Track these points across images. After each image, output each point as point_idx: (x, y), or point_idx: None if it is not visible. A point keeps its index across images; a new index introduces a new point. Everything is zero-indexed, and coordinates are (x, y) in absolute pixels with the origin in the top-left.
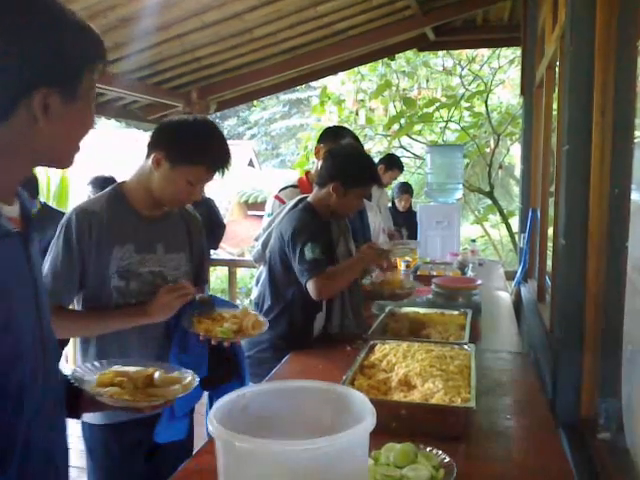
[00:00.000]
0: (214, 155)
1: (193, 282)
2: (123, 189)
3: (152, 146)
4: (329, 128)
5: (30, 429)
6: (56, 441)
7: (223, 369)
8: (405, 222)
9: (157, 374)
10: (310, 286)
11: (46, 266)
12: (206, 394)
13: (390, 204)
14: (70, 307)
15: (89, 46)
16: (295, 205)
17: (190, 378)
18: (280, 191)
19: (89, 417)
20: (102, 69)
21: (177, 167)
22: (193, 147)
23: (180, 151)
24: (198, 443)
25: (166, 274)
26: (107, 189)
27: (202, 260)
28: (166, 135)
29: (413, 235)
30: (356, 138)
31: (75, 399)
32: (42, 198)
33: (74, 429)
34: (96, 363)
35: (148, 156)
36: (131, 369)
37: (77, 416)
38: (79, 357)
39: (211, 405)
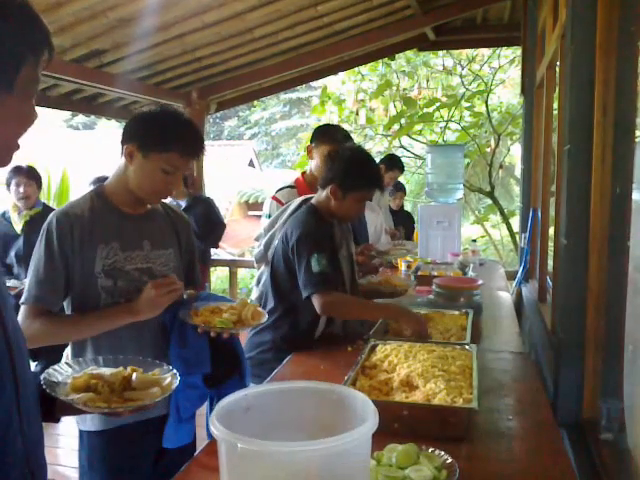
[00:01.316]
0: (185, 140)
1: (184, 282)
2: (104, 189)
3: (124, 140)
4: (319, 127)
5: (4, 441)
6: (33, 452)
7: (225, 366)
8: (400, 221)
9: (135, 376)
10: (315, 300)
11: (30, 272)
12: None
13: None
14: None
15: (30, 35)
16: (299, 206)
17: (169, 379)
18: (277, 192)
19: (86, 424)
20: (47, 59)
21: (150, 156)
22: (163, 133)
23: (150, 139)
24: (200, 444)
25: (154, 270)
26: (88, 191)
27: (192, 259)
28: (135, 126)
29: (409, 234)
30: (348, 136)
31: (50, 402)
32: (43, 199)
33: (73, 430)
34: (72, 363)
35: (122, 152)
36: (107, 371)
37: (55, 420)
38: (72, 359)
39: (211, 404)
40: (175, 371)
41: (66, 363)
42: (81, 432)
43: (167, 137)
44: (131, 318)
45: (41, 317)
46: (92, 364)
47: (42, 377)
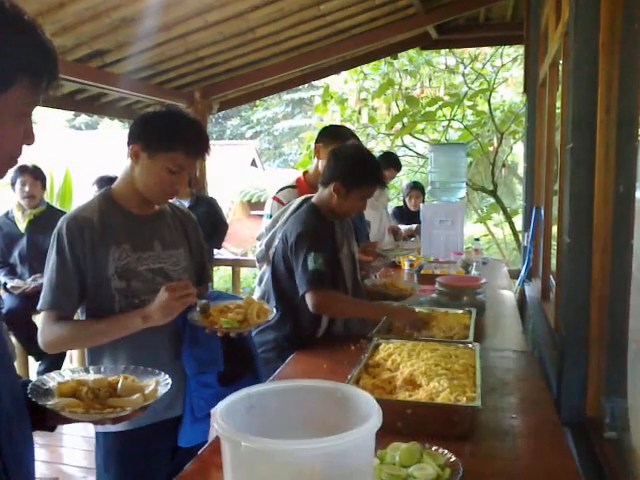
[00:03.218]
0: (190, 139)
1: (196, 281)
2: (112, 192)
3: (130, 140)
4: (327, 127)
5: None
6: (17, 471)
7: (239, 364)
8: (418, 221)
9: (121, 383)
10: (308, 298)
11: (44, 279)
12: None
13: (402, 203)
14: (75, 318)
15: (27, 56)
16: (300, 205)
17: (153, 387)
18: (278, 192)
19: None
20: (47, 86)
21: (156, 156)
22: (168, 133)
23: (156, 139)
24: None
25: (166, 271)
26: (96, 194)
27: (202, 258)
28: (141, 126)
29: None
30: (355, 136)
31: (41, 410)
32: (46, 198)
33: (77, 429)
34: (70, 370)
35: (128, 152)
36: (91, 377)
37: (49, 428)
38: (88, 361)
39: None
40: (162, 378)
41: (67, 370)
42: (97, 434)
43: (172, 137)
44: (143, 324)
45: (59, 323)
46: (90, 372)
47: (31, 384)
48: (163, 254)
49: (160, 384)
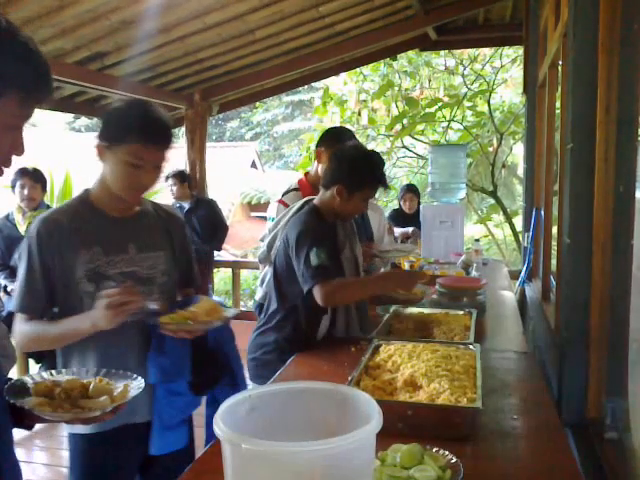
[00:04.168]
0: (144, 128)
1: (183, 284)
2: (89, 193)
3: (96, 139)
4: (329, 130)
5: None
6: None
7: (211, 373)
8: (415, 224)
9: (92, 385)
10: (316, 292)
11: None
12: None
13: (398, 205)
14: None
15: (18, 71)
16: (301, 207)
17: (121, 389)
18: (283, 195)
19: (73, 427)
20: (40, 99)
21: (115, 150)
22: (122, 125)
23: (112, 132)
24: (199, 444)
25: (139, 274)
26: (74, 196)
27: (189, 260)
28: (101, 123)
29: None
30: (355, 139)
31: (20, 409)
32: (46, 200)
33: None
34: (54, 372)
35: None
36: (65, 379)
37: (26, 427)
38: (59, 361)
39: (208, 405)
40: (137, 382)
41: (48, 372)
42: (69, 435)
43: (126, 128)
44: (92, 328)
45: (28, 323)
46: (68, 375)
47: (9, 383)
48: (137, 257)
49: (131, 387)
